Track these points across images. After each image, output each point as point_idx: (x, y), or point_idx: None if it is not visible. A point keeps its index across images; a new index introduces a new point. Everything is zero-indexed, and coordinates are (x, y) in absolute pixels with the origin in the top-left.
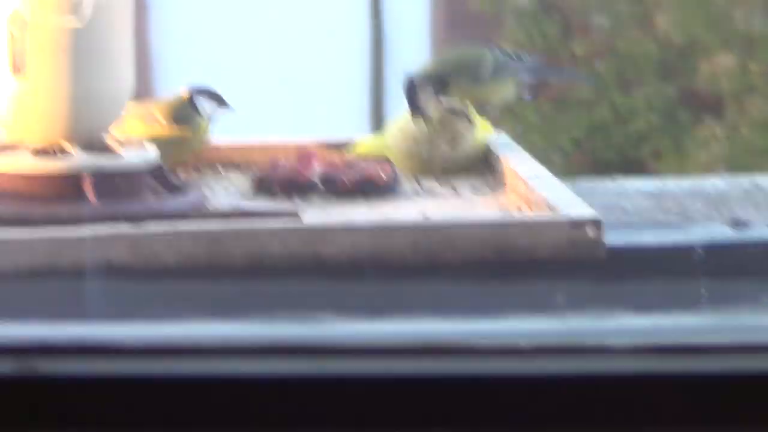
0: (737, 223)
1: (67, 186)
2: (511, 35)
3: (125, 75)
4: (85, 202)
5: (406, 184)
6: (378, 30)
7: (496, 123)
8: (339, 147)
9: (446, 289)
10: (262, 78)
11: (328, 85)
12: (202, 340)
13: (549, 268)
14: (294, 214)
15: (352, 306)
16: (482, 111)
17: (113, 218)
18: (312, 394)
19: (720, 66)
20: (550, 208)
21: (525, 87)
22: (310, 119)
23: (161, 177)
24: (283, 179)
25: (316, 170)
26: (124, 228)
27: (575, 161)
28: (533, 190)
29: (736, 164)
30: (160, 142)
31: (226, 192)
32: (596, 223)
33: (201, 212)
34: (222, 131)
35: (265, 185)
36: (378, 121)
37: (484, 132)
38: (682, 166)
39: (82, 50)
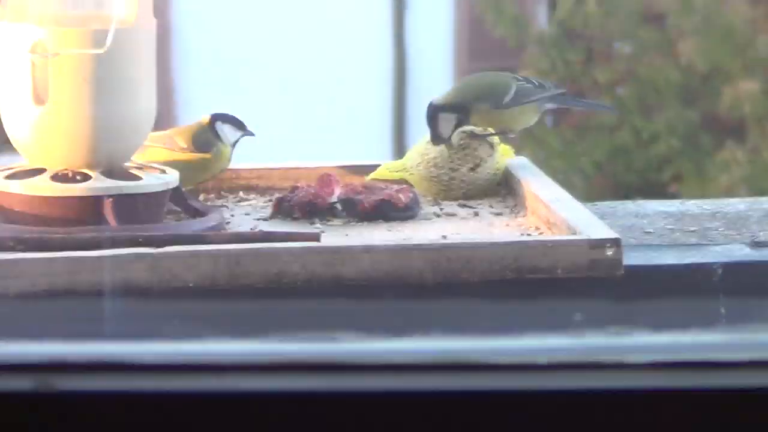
0: (756, 244)
1: (88, 209)
2: (533, 63)
3: (147, 102)
4: (105, 224)
5: (426, 207)
6: (401, 58)
7: (518, 149)
8: (359, 171)
9: (465, 308)
10: (285, 103)
11: (351, 112)
12: (220, 357)
13: (568, 287)
14: (314, 237)
15: (372, 325)
16: (504, 137)
17: (133, 241)
18: (331, 411)
19: (742, 91)
20: (570, 229)
21: (546, 114)
22: (332, 145)
23: (182, 200)
24: (303, 202)
25: (336, 193)
26: (143, 249)
27: (596, 184)
28: (554, 212)
29: (757, 187)
30: (181, 167)
31: (246, 215)
32: (615, 242)
33: (220, 234)
34: (245, 156)
35: (285, 208)
36: (400, 147)
37: (504, 157)
38: (703, 190)
39: (104, 78)
